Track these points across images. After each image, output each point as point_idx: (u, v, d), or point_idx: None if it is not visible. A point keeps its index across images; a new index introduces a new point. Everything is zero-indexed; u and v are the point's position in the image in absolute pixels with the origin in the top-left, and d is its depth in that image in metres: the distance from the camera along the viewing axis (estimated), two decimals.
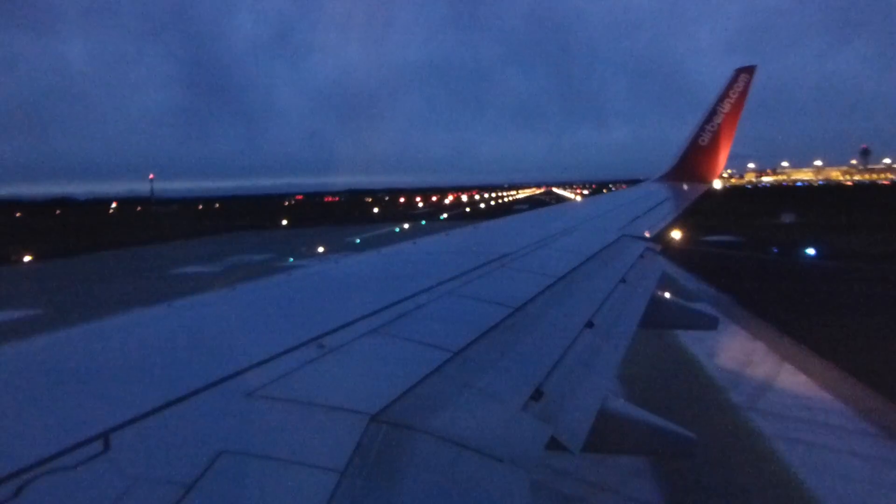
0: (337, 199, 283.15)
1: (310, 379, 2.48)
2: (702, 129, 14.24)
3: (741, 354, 15.83)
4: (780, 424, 11.37)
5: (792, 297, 22.92)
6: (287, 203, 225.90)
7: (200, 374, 2.38)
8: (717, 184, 14.69)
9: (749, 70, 13.88)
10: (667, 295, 6.51)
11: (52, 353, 2.84)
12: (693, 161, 14.45)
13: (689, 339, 16.46)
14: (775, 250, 35.57)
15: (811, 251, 32.50)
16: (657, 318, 5.68)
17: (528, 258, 5.74)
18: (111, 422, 1.94)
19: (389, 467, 1.90)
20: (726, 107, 13.83)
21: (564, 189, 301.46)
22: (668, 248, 8.74)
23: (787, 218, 53.00)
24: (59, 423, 1.97)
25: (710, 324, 6.49)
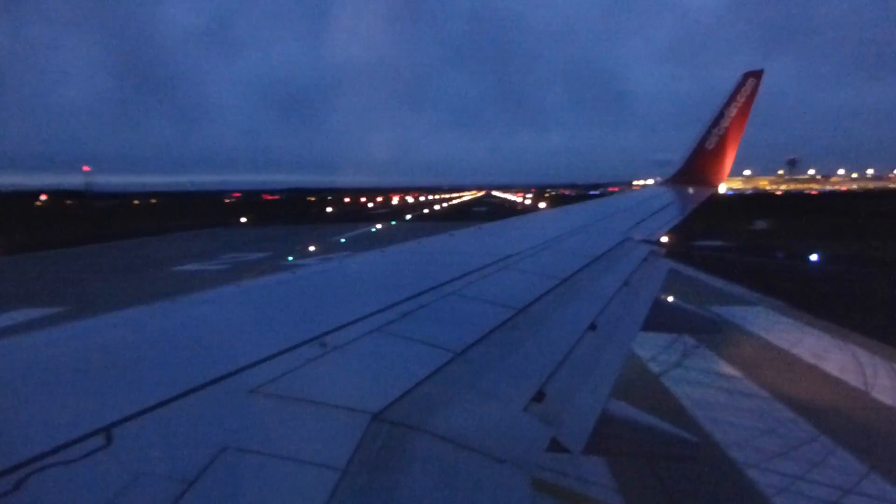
0: (277, 197, 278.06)
1: (312, 377, 2.49)
2: (708, 132, 14.23)
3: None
4: None
5: (839, 297, 23.23)
6: (227, 200, 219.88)
7: (203, 371, 2.38)
8: (723, 188, 14.84)
9: (757, 74, 13.85)
10: (670, 298, 6.52)
11: (55, 347, 2.84)
12: (699, 164, 14.52)
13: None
14: (779, 255, 36.15)
15: (814, 256, 33.22)
16: (661, 321, 5.72)
17: (531, 259, 5.75)
18: (113, 416, 1.94)
19: (390, 466, 1.90)
20: (733, 110, 13.80)
21: (505, 192, 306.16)
22: (676, 253, 8.49)
23: (759, 225, 54.63)
24: (62, 418, 1.97)
25: (714, 327, 6.71)
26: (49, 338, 2.99)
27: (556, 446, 2.37)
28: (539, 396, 2.69)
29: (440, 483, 1.91)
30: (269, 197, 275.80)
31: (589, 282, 5.14)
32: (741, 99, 13.75)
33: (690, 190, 14.10)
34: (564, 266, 5.47)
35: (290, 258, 37.19)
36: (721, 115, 14.00)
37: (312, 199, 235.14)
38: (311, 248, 41.79)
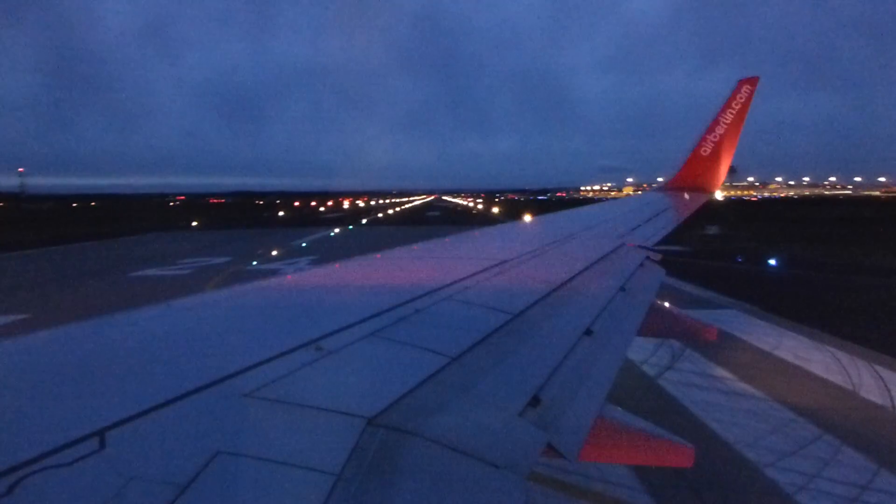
0: (223, 200, 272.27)
1: (307, 381, 2.48)
2: (704, 139, 14.33)
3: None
4: None
5: (807, 300, 23.98)
6: (171, 203, 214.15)
7: (198, 375, 2.38)
8: (719, 194, 15.12)
9: (752, 81, 13.92)
10: (666, 304, 6.52)
11: (48, 349, 2.83)
12: (695, 171, 14.59)
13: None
14: (738, 259, 37.06)
15: (773, 261, 34.24)
16: (656, 326, 5.74)
17: (527, 264, 5.76)
18: (107, 420, 1.93)
19: (386, 471, 1.89)
20: (728, 117, 13.90)
21: (455, 197, 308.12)
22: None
23: (711, 230, 56.14)
24: (55, 421, 1.96)
25: (709, 334, 6.52)
26: (43, 340, 2.98)
27: (551, 452, 2.37)
28: (535, 402, 2.69)
29: (435, 488, 1.91)
30: (216, 200, 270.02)
31: (585, 287, 5.14)
32: (736, 106, 13.86)
33: (686, 196, 14.17)
34: (561, 271, 5.46)
35: (255, 262, 36.43)
36: (716, 121, 14.09)
37: (261, 202, 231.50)
38: (275, 253, 41.03)
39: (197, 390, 2.24)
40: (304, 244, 48.35)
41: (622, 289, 5.31)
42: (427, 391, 2.54)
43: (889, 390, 13.62)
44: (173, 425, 1.99)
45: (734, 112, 13.88)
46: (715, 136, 14.14)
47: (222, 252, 43.38)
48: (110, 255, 45.05)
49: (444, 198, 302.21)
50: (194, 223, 78.84)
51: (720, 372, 15.01)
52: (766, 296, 24.54)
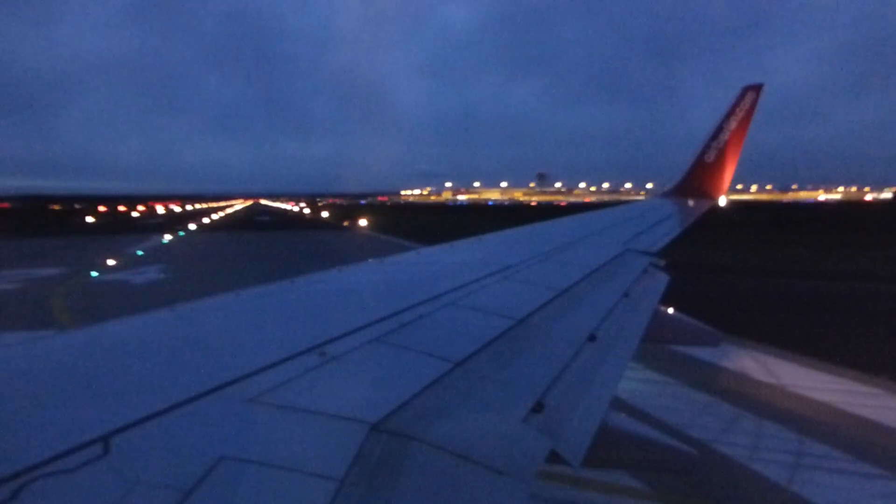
0: (7, 205, 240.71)
1: (311, 387, 2.50)
2: (708, 145, 14.44)
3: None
4: None
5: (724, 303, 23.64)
6: None
7: (201, 380, 2.41)
8: (723, 200, 14.99)
9: (756, 88, 14.05)
10: (670, 310, 6.64)
11: (53, 354, 2.86)
12: (699, 177, 14.69)
13: None
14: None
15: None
16: (660, 333, 5.76)
17: (530, 270, 5.76)
18: (111, 425, 1.95)
19: (389, 477, 1.91)
20: (733, 124, 14.01)
21: (275, 201, 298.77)
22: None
23: None
24: (59, 426, 1.98)
25: (712, 340, 6.65)
26: (47, 345, 3.00)
27: (555, 458, 2.38)
28: (538, 407, 2.69)
29: (439, 494, 1.92)
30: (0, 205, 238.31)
31: (588, 293, 5.17)
32: (740, 112, 13.93)
33: (690, 202, 14.16)
34: (564, 277, 5.50)
35: (94, 273, 33.16)
36: (720, 128, 14.14)
37: (56, 206, 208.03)
38: (112, 263, 37.58)
39: (200, 395, 2.26)
40: (139, 252, 44.56)
41: (626, 294, 5.35)
42: (430, 396, 2.56)
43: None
44: (177, 430, 2.01)
45: (738, 119, 13.96)
46: (719, 143, 14.20)
47: (49, 262, 38.54)
48: None
49: (264, 202, 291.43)
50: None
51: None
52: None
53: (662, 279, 6.66)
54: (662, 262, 7.52)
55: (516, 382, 2.95)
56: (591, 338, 3.91)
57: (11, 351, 2.85)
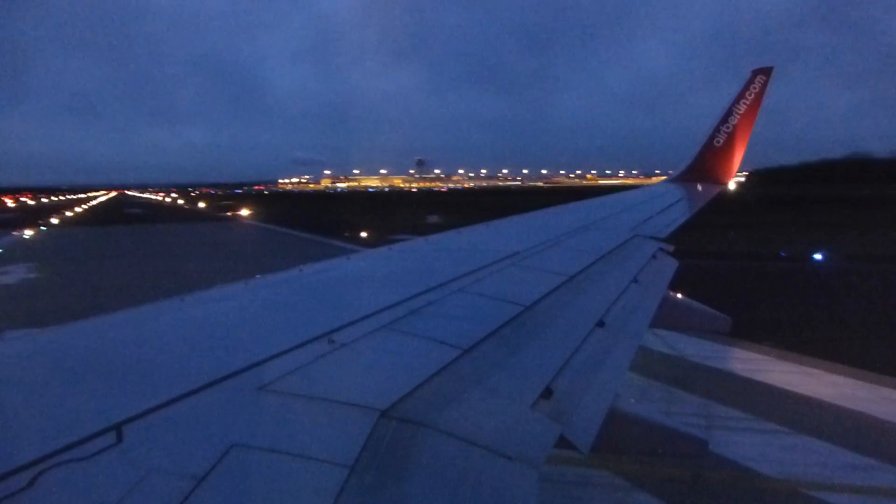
0: None
1: (321, 374, 2.52)
2: (717, 129, 14.23)
3: None
4: None
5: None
6: None
7: (212, 368, 2.41)
8: (732, 184, 14.98)
9: (766, 71, 13.86)
10: (679, 296, 6.58)
11: (66, 345, 2.89)
12: (708, 162, 14.49)
13: None
14: None
15: None
16: (669, 318, 5.78)
17: (539, 256, 5.73)
18: (124, 414, 1.97)
19: (399, 463, 1.92)
20: (742, 108, 13.81)
21: (142, 192, 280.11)
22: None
23: (432, 219, 60.43)
24: (73, 415, 2.01)
25: (722, 325, 6.59)
26: (60, 336, 3.02)
27: (564, 443, 2.38)
28: (547, 393, 2.69)
29: (448, 479, 1.93)
30: None
31: (597, 278, 5.16)
32: (750, 97, 13.73)
33: (699, 187, 14.01)
34: (573, 262, 5.46)
35: None
36: (730, 112, 13.93)
37: None
38: None
39: (211, 384, 2.27)
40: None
41: (635, 280, 5.31)
42: (439, 383, 2.56)
43: None
44: (188, 419, 2.03)
45: (748, 102, 13.77)
46: (728, 127, 14.03)
47: None
48: None
49: (129, 193, 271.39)
50: None
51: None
52: None
53: (671, 264, 6.62)
54: (671, 248, 7.48)
55: (525, 369, 2.96)
56: (600, 324, 3.90)
57: (25, 343, 2.88)
